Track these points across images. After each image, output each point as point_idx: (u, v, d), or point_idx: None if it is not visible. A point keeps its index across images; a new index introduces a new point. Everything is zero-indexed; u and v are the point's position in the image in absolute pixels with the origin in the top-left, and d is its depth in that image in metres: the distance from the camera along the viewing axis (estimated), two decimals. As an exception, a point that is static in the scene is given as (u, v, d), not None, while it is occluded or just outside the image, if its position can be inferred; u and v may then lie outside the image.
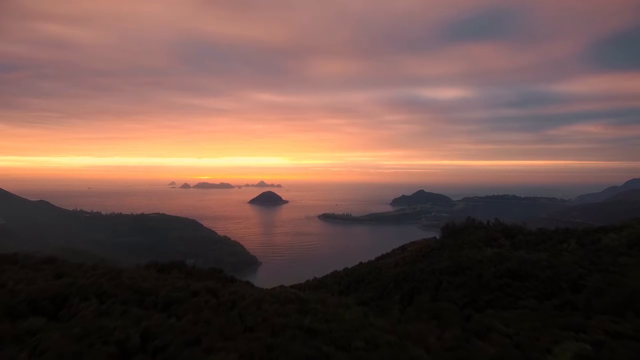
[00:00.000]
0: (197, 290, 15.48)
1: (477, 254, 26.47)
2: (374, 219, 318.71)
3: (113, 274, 15.80)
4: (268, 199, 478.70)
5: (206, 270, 26.05)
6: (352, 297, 25.69)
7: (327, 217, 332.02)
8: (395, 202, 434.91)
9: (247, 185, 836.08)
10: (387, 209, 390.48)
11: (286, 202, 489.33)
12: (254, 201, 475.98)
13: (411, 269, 29.54)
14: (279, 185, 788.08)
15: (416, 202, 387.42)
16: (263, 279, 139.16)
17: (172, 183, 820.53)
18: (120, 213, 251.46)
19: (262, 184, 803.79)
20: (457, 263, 25.02)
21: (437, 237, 51.12)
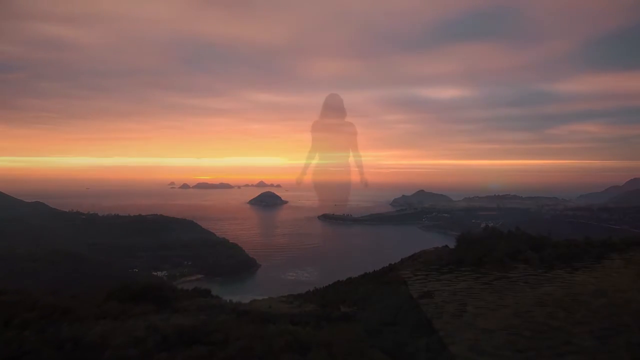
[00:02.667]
0: (163, 337, 11.90)
1: (506, 274, 22.81)
2: (375, 220, 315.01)
3: (55, 315, 12.12)
4: (267, 199, 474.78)
5: (190, 290, 22.58)
6: (360, 322, 22.13)
7: (327, 218, 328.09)
8: (396, 202, 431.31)
9: (246, 185, 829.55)
10: (388, 209, 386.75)
11: (286, 202, 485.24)
12: (253, 201, 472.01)
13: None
14: (278, 186, 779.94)
15: (416, 202, 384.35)
16: (262, 283, 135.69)
17: (172, 183, 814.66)
18: (117, 214, 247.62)
19: (261, 184, 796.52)
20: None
21: (447, 244, 47.45)
